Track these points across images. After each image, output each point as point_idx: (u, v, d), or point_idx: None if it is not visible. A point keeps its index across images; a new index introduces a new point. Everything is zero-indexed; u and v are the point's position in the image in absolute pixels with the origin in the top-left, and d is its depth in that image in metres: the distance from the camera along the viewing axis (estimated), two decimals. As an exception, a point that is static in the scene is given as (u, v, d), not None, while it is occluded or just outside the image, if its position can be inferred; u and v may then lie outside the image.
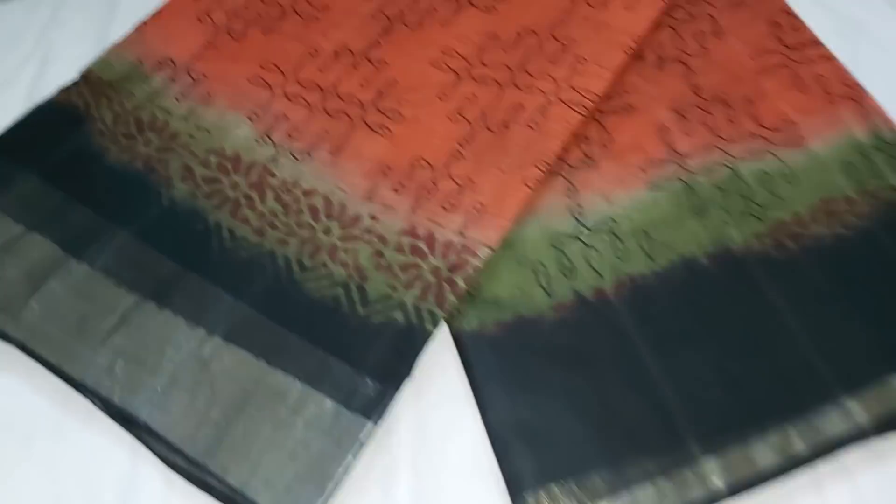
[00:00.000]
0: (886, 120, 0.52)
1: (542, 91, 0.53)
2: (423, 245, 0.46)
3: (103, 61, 0.55)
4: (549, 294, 0.45)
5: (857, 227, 0.47)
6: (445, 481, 0.41)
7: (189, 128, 0.51)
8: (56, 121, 0.52)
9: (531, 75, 0.54)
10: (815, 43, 0.56)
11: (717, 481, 0.39)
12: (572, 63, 0.54)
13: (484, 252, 0.45)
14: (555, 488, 0.39)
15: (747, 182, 0.49)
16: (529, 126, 0.51)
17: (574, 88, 0.52)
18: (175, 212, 0.47)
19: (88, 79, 0.54)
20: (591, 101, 0.52)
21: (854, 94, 0.53)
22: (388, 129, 0.51)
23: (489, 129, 0.51)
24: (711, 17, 0.58)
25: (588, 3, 0.57)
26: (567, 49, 0.55)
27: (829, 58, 0.55)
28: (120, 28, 0.58)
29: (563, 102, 0.52)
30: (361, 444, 0.39)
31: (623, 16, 0.56)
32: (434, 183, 0.48)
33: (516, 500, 0.39)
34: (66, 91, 0.53)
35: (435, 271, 0.44)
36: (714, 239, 0.47)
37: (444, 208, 0.47)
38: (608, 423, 0.41)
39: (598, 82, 0.52)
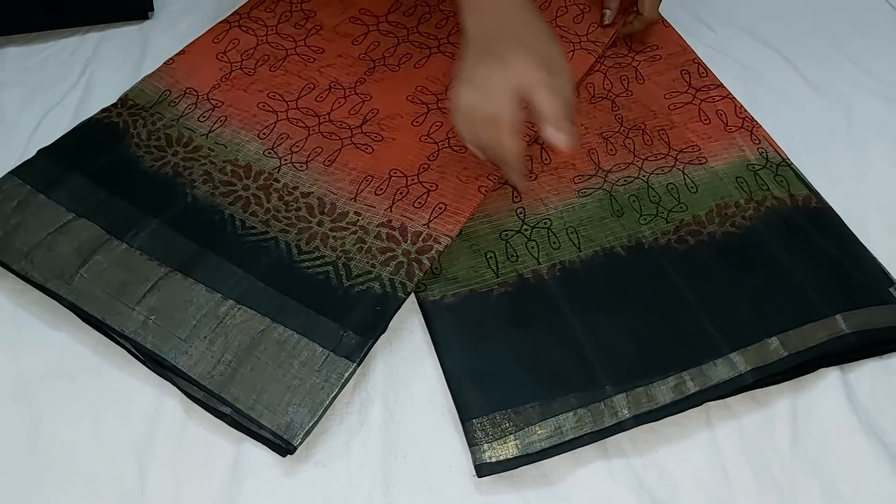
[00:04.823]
0: (773, 144, 0.62)
1: None
2: (397, 234, 0.55)
3: (137, 89, 0.64)
4: (497, 274, 0.54)
5: (744, 226, 0.57)
6: (409, 413, 0.48)
7: (209, 143, 0.60)
8: (98, 134, 0.60)
9: None
10: (718, 85, 0.67)
11: (625, 412, 0.47)
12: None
13: (445, 240, 0.54)
14: (497, 416, 0.47)
15: (657, 192, 0.59)
16: None
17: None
18: (197, 206, 0.56)
19: (125, 103, 0.62)
20: (533, 131, 0.61)
21: (747, 125, 0.64)
22: (371, 147, 0.61)
23: (452, 149, 0.61)
24: (634, 66, 0.69)
25: None
26: None
27: (728, 96, 0.66)
28: (151, 64, 0.67)
29: None
30: (345, 381, 0.47)
31: None
32: (407, 188, 0.58)
33: (466, 426, 0.47)
34: (106, 111, 0.62)
35: (406, 253, 0.54)
36: (629, 235, 0.56)
37: (414, 206, 0.57)
38: (540, 369, 0.49)
39: None
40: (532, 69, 0.48)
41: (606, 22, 0.70)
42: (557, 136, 0.49)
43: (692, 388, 0.48)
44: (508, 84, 0.49)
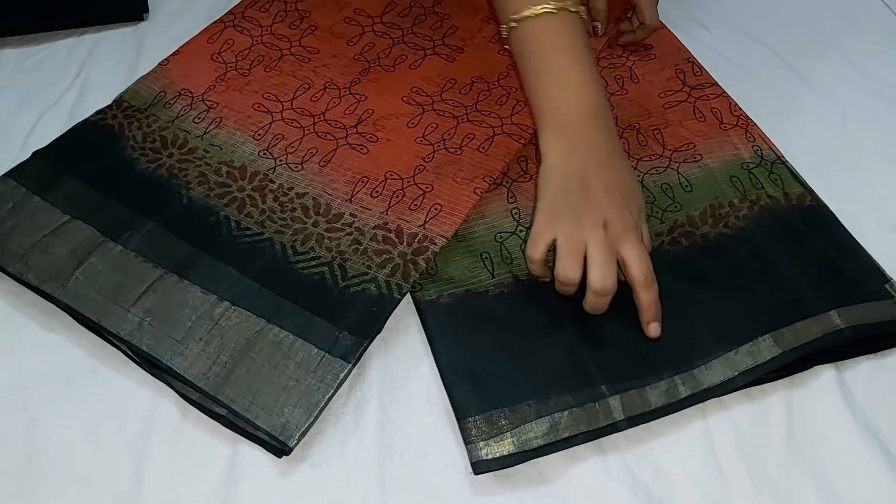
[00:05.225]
0: (767, 142, 0.62)
1: (490, 125, 0.63)
2: (393, 236, 0.55)
3: (132, 91, 0.64)
4: (492, 276, 0.54)
5: (737, 226, 0.57)
6: (405, 413, 0.48)
7: (204, 144, 0.60)
8: (93, 136, 0.60)
9: (481, 113, 0.64)
10: (713, 84, 0.67)
11: (619, 414, 0.47)
12: (513, 105, 0.64)
13: (440, 241, 0.54)
14: (493, 413, 0.47)
15: (651, 192, 0.59)
16: (479, 150, 0.61)
17: (515, 124, 0.62)
18: (192, 207, 0.56)
19: (119, 104, 0.62)
20: (529, 133, 0.62)
21: (742, 123, 0.64)
22: (366, 147, 0.61)
23: (447, 150, 0.61)
24: (629, 66, 0.69)
25: None
26: (510, 95, 0.65)
27: (723, 95, 0.66)
28: (146, 65, 0.67)
29: (506, 134, 0.62)
30: (340, 382, 0.47)
31: None
32: (403, 190, 0.58)
33: (462, 424, 0.47)
34: (101, 113, 0.62)
35: (402, 255, 0.54)
36: (623, 235, 0.57)
37: (410, 209, 0.57)
38: (536, 369, 0.49)
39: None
40: (634, 244, 0.50)
41: (600, 34, 0.70)
42: (657, 329, 0.51)
43: (683, 392, 0.49)
44: (614, 254, 0.50)
